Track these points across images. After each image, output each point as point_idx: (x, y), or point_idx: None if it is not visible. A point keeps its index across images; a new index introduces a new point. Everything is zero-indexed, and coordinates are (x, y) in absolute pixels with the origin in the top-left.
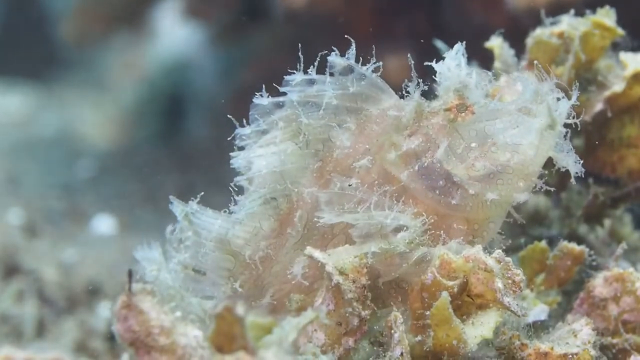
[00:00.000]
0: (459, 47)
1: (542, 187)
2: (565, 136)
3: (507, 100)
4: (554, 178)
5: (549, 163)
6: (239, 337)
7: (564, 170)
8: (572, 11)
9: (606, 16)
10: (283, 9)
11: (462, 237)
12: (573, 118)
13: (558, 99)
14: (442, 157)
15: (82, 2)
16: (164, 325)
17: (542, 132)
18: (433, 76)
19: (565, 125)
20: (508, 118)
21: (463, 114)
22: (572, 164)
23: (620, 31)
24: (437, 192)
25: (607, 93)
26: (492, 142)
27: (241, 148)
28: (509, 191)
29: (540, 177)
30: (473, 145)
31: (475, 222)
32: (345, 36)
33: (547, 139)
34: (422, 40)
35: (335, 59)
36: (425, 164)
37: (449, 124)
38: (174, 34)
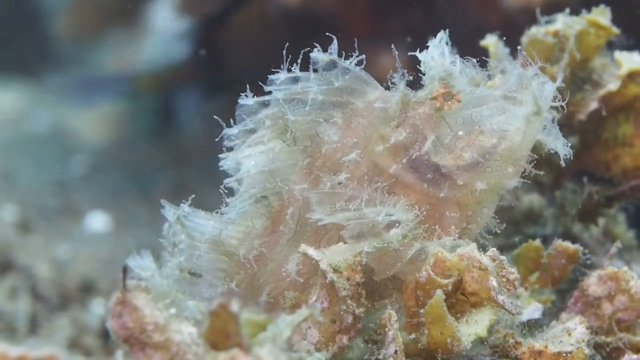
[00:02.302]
0: (442, 35)
1: (531, 172)
2: (552, 120)
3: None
4: (549, 177)
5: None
6: (233, 334)
7: (553, 152)
8: (568, 10)
9: (601, 15)
10: (278, 7)
11: (455, 225)
12: (558, 101)
13: (543, 83)
14: (430, 149)
15: None
16: (159, 322)
17: (529, 117)
18: (418, 66)
19: (552, 108)
20: (494, 104)
21: (449, 102)
22: (560, 146)
23: (616, 30)
24: (426, 185)
25: (602, 92)
26: (479, 130)
27: (230, 148)
28: (498, 178)
29: (530, 161)
30: (460, 133)
31: (468, 208)
32: (327, 34)
33: (534, 123)
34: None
35: (318, 54)
36: (414, 157)
37: (435, 113)
38: (168, 31)
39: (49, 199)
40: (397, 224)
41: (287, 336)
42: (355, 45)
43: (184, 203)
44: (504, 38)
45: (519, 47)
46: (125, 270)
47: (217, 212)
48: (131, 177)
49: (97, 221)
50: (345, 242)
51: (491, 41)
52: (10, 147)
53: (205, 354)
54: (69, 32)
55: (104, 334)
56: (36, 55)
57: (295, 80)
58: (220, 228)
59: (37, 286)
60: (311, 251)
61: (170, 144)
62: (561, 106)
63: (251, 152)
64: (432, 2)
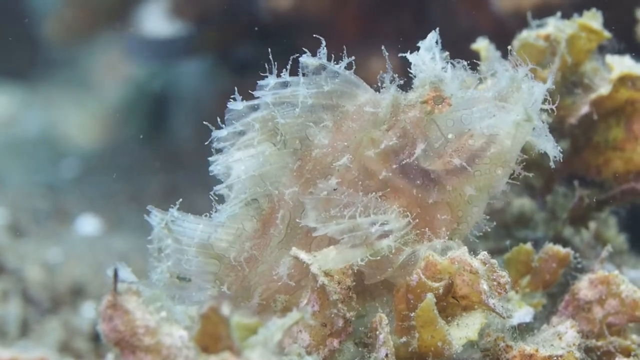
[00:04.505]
0: (434, 36)
1: (520, 173)
2: (542, 121)
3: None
4: (540, 181)
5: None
6: (224, 337)
7: (542, 151)
8: (559, 13)
9: (593, 19)
10: (269, 11)
11: (446, 227)
12: (549, 103)
13: (532, 86)
14: (420, 155)
15: (67, 1)
16: (149, 325)
17: (519, 122)
18: (408, 68)
19: (542, 110)
20: (485, 106)
21: (440, 105)
22: (550, 147)
23: (607, 34)
24: (415, 190)
25: (593, 96)
26: (469, 133)
27: (219, 151)
28: (487, 181)
29: (519, 162)
30: (450, 136)
31: (459, 209)
32: (314, 35)
33: (524, 127)
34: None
35: (307, 59)
36: (404, 162)
37: (425, 117)
38: (159, 34)
39: (40, 203)
40: (390, 234)
41: (278, 339)
42: (345, 49)
43: (172, 207)
44: (495, 42)
45: (509, 47)
46: (115, 273)
47: (206, 216)
48: (122, 180)
49: (88, 224)
50: (335, 243)
51: (482, 45)
52: (1, 150)
53: (196, 357)
54: (59, 35)
55: (95, 337)
56: (27, 59)
57: (285, 85)
58: (210, 232)
59: (27, 289)
60: (302, 255)
61: (161, 147)
62: (551, 109)
63: (241, 156)
64: (422, 6)
